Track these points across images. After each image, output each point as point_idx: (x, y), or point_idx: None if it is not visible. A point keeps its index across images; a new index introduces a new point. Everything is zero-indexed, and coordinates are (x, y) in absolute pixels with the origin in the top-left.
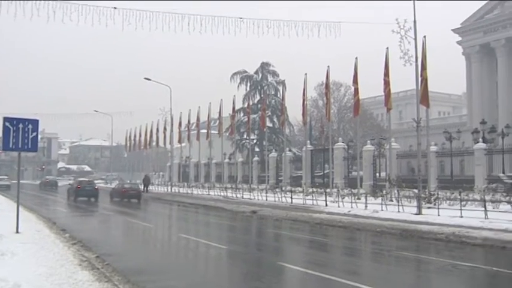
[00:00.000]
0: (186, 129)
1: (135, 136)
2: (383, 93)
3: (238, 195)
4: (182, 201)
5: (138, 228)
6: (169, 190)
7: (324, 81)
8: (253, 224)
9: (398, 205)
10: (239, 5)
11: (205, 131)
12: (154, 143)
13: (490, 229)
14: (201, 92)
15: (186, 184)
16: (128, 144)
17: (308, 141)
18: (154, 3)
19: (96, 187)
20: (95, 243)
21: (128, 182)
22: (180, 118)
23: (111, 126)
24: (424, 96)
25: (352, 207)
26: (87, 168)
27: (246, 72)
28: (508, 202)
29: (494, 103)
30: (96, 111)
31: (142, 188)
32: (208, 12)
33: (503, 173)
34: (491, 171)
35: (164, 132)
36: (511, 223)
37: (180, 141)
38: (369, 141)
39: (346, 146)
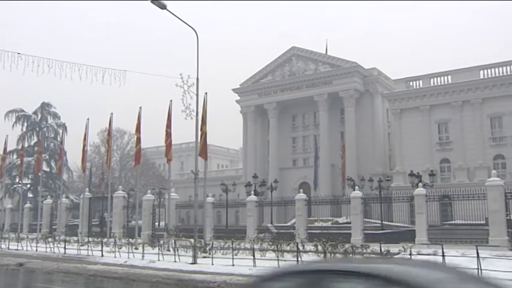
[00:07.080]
0: None
1: None
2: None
3: (3, 246)
4: None
5: None
6: None
7: (107, 128)
8: (20, 279)
9: (175, 255)
10: (18, 38)
11: None
12: None
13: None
14: None
15: None
16: None
17: (87, 188)
18: None
19: None
20: None
21: None
22: None
23: None
24: (203, 149)
25: (129, 258)
26: None
27: (23, 111)
28: (274, 250)
29: (266, 159)
30: None
31: None
32: None
33: (272, 223)
34: (261, 222)
35: None
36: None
37: None
38: (149, 191)
39: (126, 195)
